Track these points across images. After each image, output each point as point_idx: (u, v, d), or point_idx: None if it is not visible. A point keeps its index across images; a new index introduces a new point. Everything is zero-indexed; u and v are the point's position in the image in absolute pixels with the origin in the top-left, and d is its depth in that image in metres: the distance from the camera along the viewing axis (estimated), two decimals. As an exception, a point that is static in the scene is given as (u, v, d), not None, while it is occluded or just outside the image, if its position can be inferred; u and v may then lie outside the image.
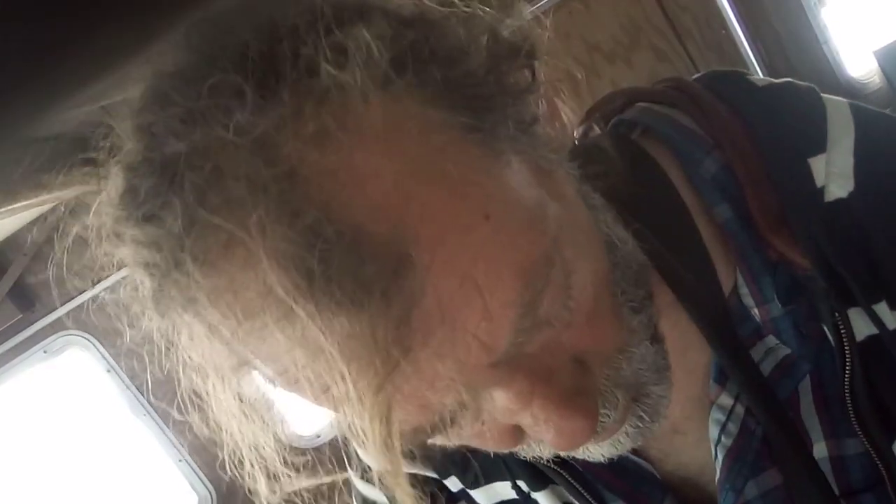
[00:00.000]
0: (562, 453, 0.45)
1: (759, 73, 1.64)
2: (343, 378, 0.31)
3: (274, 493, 0.46)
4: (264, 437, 0.44)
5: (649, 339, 0.43)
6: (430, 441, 0.39)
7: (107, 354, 1.98)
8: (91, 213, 0.41)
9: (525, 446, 0.42)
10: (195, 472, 2.04)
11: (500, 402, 0.36)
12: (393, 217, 0.30)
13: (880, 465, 0.45)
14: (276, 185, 0.29)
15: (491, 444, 0.40)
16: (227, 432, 0.43)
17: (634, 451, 0.52)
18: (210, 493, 2.05)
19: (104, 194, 0.39)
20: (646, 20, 1.65)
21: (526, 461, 0.53)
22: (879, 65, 1.65)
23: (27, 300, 1.92)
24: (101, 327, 1.96)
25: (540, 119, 0.39)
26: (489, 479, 0.57)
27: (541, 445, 0.42)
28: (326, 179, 0.30)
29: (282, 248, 0.29)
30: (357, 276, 0.29)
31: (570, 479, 0.52)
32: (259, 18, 0.33)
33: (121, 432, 2.17)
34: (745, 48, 1.64)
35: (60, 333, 1.95)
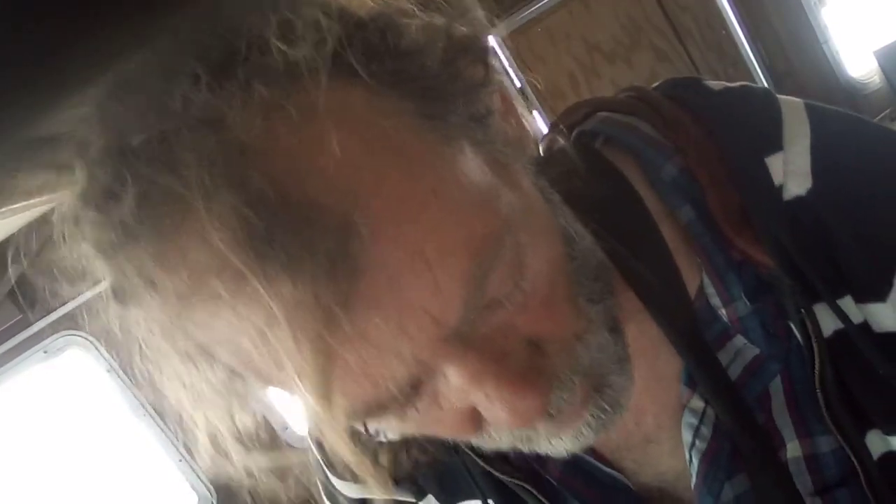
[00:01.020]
0: (526, 449, 0.44)
1: (759, 74, 1.65)
2: (292, 343, 0.31)
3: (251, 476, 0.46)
4: (228, 420, 0.45)
5: (608, 329, 0.43)
6: (396, 428, 0.40)
7: (107, 355, 1.98)
8: (55, 215, 0.42)
9: (485, 435, 0.41)
10: (195, 472, 2.04)
11: (454, 380, 0.36)
12: (341, 187, 0.31)
13: (854, 460, 0.45)
14: (223, 155, 0.30)
15: (449, 430, 0.41)
16: (192, 419, 0.43)
17: (608, 464, 0.52)
18: (210, 493, 2.05)
19: (66, 193, 0.41)
20: (646, 20, 1.65)
21: (495, 479, 0.53)
22: (879, 65, 1.66)
23: (27, 300, 1.92)
24: (101, 328, 1.96)
25: (494, 113, 0.40)
26: (461, 497, 0.57)
27: (500, 434, 0.41)
28: (275, 151, 0.31)
29: (228, 214, 0.30)
30: (303, 240, 0.30)
31: (538, 495, 0.52)
32: (219, 16, 0.34)
33: (121, 432, 2.17)
34: (745, 48, 1.64)
35: (60, 334, 1.95)
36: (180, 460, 2.02)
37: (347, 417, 0.35)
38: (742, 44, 1.64)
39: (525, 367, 0.37)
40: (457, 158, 0.36)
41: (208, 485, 2.04)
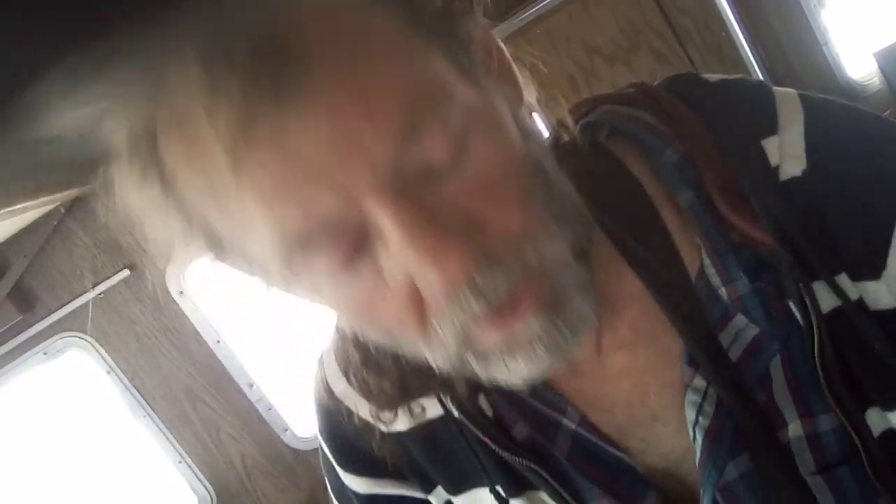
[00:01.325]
0: (483, 373, 0.44)
1: (759, 76, 1.65)
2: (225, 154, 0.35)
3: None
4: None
5: (574, 253, 0.43)
6: (346, 306, 0.41)
7: (107, 356, 1.98)
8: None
9: (432, 332, 0.41)
10: (195, 472, 2.04)
11: (389, 235, 0.37)
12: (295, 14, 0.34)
13: (855, 438, 0.46)
14: None
15: (393, 315, 0.41)
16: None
17: (614, 445, 0.52)
18: (210, 493, 2.05)
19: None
20: (645, 23, 1.65)
21: (503, 463, 0.54)
22: (879, 66, 1.66)
23: (27, 301, 1.92)
24: (101, 329, 1.96)
25: (474, 41, 0.43)
26: (470, 486, 0.58)
27: (445, 329, 0.41)
28: None
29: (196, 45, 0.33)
30: (250, 45, 0.33)
31: (546, 476, 0.52)
32: None
33: (121, 434, 2.17)
34: (744, 50, 1.64)
35: (60, 335, 1.95)
36: (180, 461, 2.02)
37: (282, 240, 0.37)
38: (742, 46, 1.65)
39: (460, 233, 0.38)
40: (422, 49, 0.39)
41: (208, 485, 2.04)
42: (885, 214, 0.46)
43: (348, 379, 0.60)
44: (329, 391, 0.62)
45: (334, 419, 0.62)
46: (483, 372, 0.44)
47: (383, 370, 0.55)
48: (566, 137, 0.56)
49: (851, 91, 1.70)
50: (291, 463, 2.03)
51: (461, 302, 0.39)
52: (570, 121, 0.54)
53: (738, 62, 1.64)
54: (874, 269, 0.46)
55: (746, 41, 1.65)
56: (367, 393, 0.59)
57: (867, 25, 1.73)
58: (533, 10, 1.63)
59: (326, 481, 0.67)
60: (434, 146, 0.37)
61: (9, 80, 0.29)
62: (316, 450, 2.08)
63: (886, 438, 0.47)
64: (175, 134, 0.37)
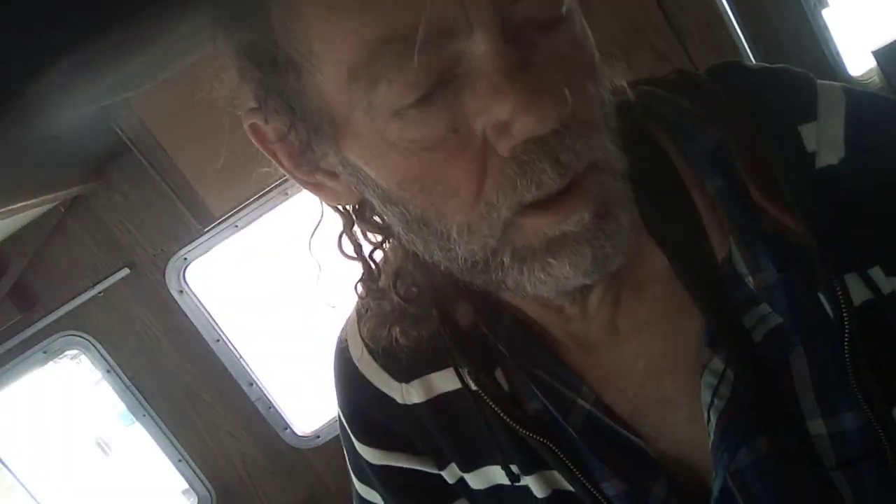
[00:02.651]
0: (517, 268, 0.44)
1: (759, 74, 1.65)
2: None
3: None
4: None
5: (621, 169, 0.44)
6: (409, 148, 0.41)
7: (106, 355, 1.98)
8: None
9: (483, 206, 0.42)
10: (195, 471, 2.04)
11: (487, 69, 0.38)
12: None
13: (881, 433, 0.45)
14: None
15: (453, 170, 0.41)
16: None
17: (627, 427, 0.52)
18: (210, 492, 2.05)
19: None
20: (646, 21, 1.64)
21: (517, 439, 0.54)
22: (878, 64, 1.65)
23: (27, 300, 1.92)
24: (101, 328, 1.96)
25: None
26: (483, 462, 0.58)
27: (502, 194, 0.41)
28: None
29: None
30: None
31: (559, 452, 0.52)
32: None
33: (121, 433, 2.17)
34: (745, 49, 1.64)
35: (60, 334, 1.95)
36: (180, 460, 2.02)
37: (377, 39, 0.37)
38: (742, 44, 1.64)
39: (556, 84, 0.38)
40: None
41: (208, 484, 2.04)
42: None
43: (368, 350, 0.60)
44: (348, 361, 0.62)
45: (352, 389, 0.63)
46: (515, 275, 0.44)
47: (403, 336, 0.55)
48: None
49: (852, 89, 1.70)
50: (291, 462, 2.02)
51: (533, 165, 0.40)
52: (624, 84, 0.53)
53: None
54: None
55: (746, 39, 1.65)
56: (385, 364, 0.60)
57: (868, 23, 1.73)
58: (533, 9, 1.63)
59: (344, 449, 0.67)
60: (544, 3, 0.39)
61: (10, 79, 0.29)
62: (316, 449, 2.09)
63: None
64: None
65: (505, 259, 0.43)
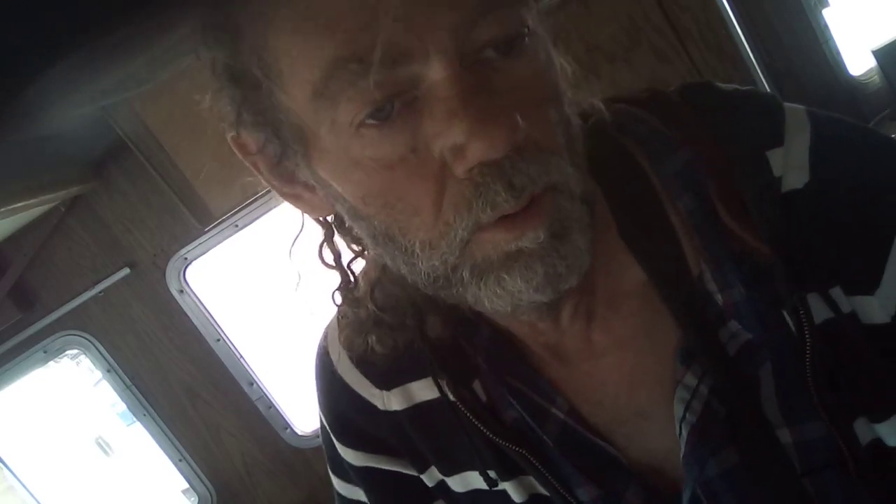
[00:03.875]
0: (474, 284, 0.45)
1: (759, 74, 1.64)
2: None
3: None
4: None
5: (581, 192, 0.45)
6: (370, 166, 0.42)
7: (107, 354, 1.98)
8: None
9: (441, 224, 0.43)
10: (195, 471, 2.04)
11: (443, 94, 0.39)
12: None
13: (842, 446, 0.47)
14: None
15: (413, 188, 0.42)
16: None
17: (601, 436, 0.54)
18: (210, 491, 2.05)
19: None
20: (646, 20, 1.64)
21: (495, 448, 0.55)
22: (878, 64, 1.65)
23: (27, 300, 1.92)
24: (101, 327, 1.96)
25: None
26: (461, 468, 0.59)
27: (458, 216, 0.42)
28: None
29: None
30: None
31: (535, 462, 0.54)
32: None
33: (121, 432, 2.17)
34: (745, 48, 1.64)
35: (60, 333, 1.95)
36: (180, 459, 2.02)
37: (336, 60, 0.38)
38: (742, 44, 1.64)
39: (508, 113, 0.40)
40: None
41: (208, 483, 2.04)
42: (883, 232, 0.47)
43: (349, 356, 0.62)
44: (329, 367, 0.64)
45: (334, 394, 0.64)
46: (473, 290, 0.45)
47: (380, 343, 0.57)
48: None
49: (852, 89, 1.70)
50: (291, 461, 2.03)
51: (487, 187, 0.41)
52: (599, 104, 0.55)
53: (739, 60, 1.64)
54: (869, 285, 0.47)
55: (747, 39, 1.65)
56: (365, 371, 0.61)
57: (868, 23, 1.73)
58: (533, 8, 1.63)
59: (324, 450, 0.69)
60: (501, 27, 0.40)
61: (11, 77, 0.29)
62: (316, 448, 2.09)
63: (873, 448, 0.48)
64: None
65: (465, 274, 0.45)
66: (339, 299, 0.59)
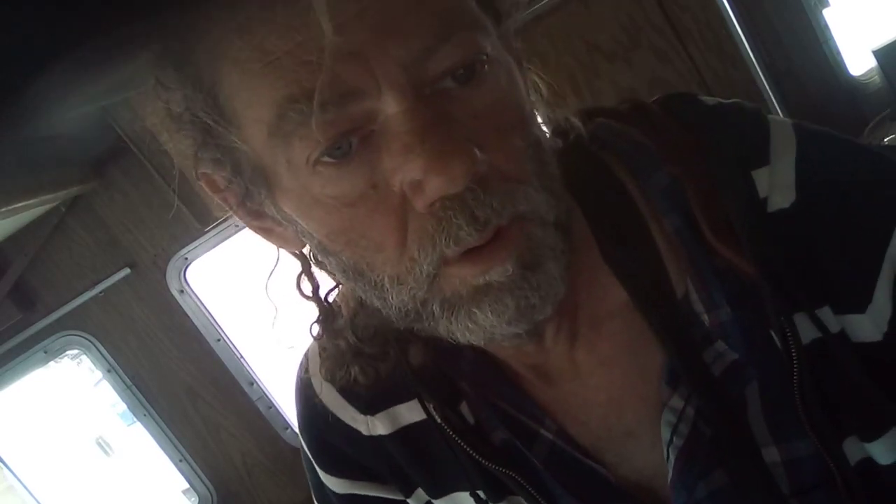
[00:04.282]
0: (444, 318, 0.45)
1: (759, 74, 1.64)
2: None
3: None
4: None
5: (554, 219, 0.44)
6: (331, 205, 0.42)
7: (107, 354, 1.98)
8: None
9: (406, 259, 0.42)
10: (196, 471, 2.04)
11: (398, 127, 0.38)
12: None
13: (832, 464, 0.46)
14: None
15: (375, 224, 0.42)
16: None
17: (589, 456, 0.53)
18: (210, 491, 2.05)
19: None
20: (646, 20, 1.64)
21: (483, 470, 0.54)
22: (878, 64, 1.65)
23: (27, 300, 1.92)
24: (101, 327, 1.96)
25: (512, 17, 0.45)
26: (450, 489, 0.58)
27: (422, 251, 0.42)
28: None
29: None
30: None
31: (524, 483, 0.53)
32: None
33: (121, 432, 2.17)
34: (745, 48, 1.64)
35: (60, 333, 1.95)
36: (181, 460, 2.02)
37: (289, 101, 0.38)
38: (742, 44, 1.64)
39: (466, 146, 0.39)
40: None
41: (209, 483, 2.04)
42: (872, 250, 0.46)
43: (331, 381, 0.60)
44: (311, 396, 0.63)
45: (315, 420, 0.63)
46: (446, 323, 0.45)
47: (362, 374, 0.56)
48: (560, 143, 0.56)
49: (852, 89, 1.70)
50: (292, 461, 2.03)
51: (449, 222, 0.40)
52: (576, 121, 0.54)
53: (739, 60, 1.64)
54: (859, 304, 0.46)
55: (747, 39, 1.64)
56: (349, 398, 0.60)
57: (868, 23, 1.73)
58: (534, 8, 1.63)
59: (308, 479, 0.68)
60: (457, 55, 0.39)
61: (11, 76, 0.29)
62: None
63: (863, 467, 0.47)
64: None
65: (435, 308, 0.44)
66: (318, 331, 0.59)
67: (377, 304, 0.47)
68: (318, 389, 0.62)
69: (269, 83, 0.38)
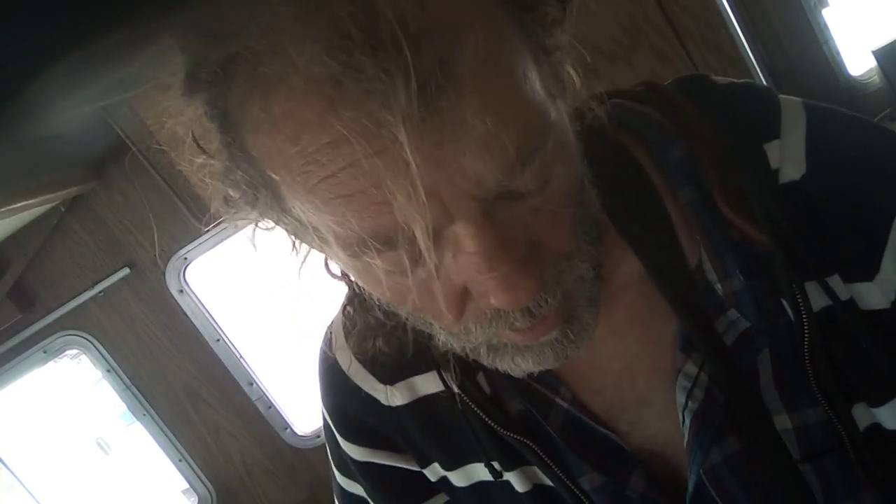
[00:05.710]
0: (488, 362, 0.48)
1: (759, 73, 1.65)
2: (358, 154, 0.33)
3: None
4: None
5: (594, 271, 0.46)
6: (395, 290, 0.42)
7: (106, 354, 1.98)
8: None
9: (462, 328, 0.44)
10: (195, 471, 2.04)
11: (467, 248, 0.38)
12: (442, 26, 0.33)
13: (841, 430, 0.48)
14: None
15: (435, 305, 0.43)
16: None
17: (603, 424, 0.55)
18: (210, 491, 2.05)
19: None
20: (646, 20, 1.65)
21: (498, 439, 0.56)
22: (878, 64, 1.66)
23: (27, 300, 1.92)
24: (101, 327, 1.96)
25: (559, 51, 0.44)
26: (465, 461, 0.60)
27: (477, 328, 0.44)
28: None
29: (316, 36, 0.32)
30: (400, 60, 0.32)
31: (539, 451, 0.54)
32: None
33: (121, 432, 2.17)
34: (745, 48, 1.64)
35: (60, 333, 1.95)
36: (180, 460, 2.02)
37: (361, 238, 0.37)
38: (742, 44, 1.64)
39: (529, 262, 0.40)
40: (528, 57, 0.38)
41: (208, 483, 2.04)
42: (880, 220, 0.48)
43: (352, 351, 0.62)
44: (335, 366, 0.64)
45: (336, 389, 0.65)
46: (489, 361, 0.48)
47: (387, 345, 0.58)
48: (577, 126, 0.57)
49: (851, 89, 1.70)
50: (291, 461, 2.03)
51: (507, 315, 0.42)
52: (596, 105, 0.54)
53: (738, 60, 1.64)
54: (868, 272, 0.48)
55: (747, 39, 1.65)
56: (369, 366, 0.62)
57: (868, 23, 1.73)
58: (533, 8, 1.63)
59: (327, 445, 0.69)
60: (529, 178, 0.37)
61: (11, 76, 0.29)
62: (316, 448, 2.09)
63: (872, 432, 0.49)
64: (278, 90, 0.35)
65: (482, 350, 0.48)
66: (348, 308, 0.60)
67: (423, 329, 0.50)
68: (341, 361, 0.64)
69: (341, 216, 0.37)
